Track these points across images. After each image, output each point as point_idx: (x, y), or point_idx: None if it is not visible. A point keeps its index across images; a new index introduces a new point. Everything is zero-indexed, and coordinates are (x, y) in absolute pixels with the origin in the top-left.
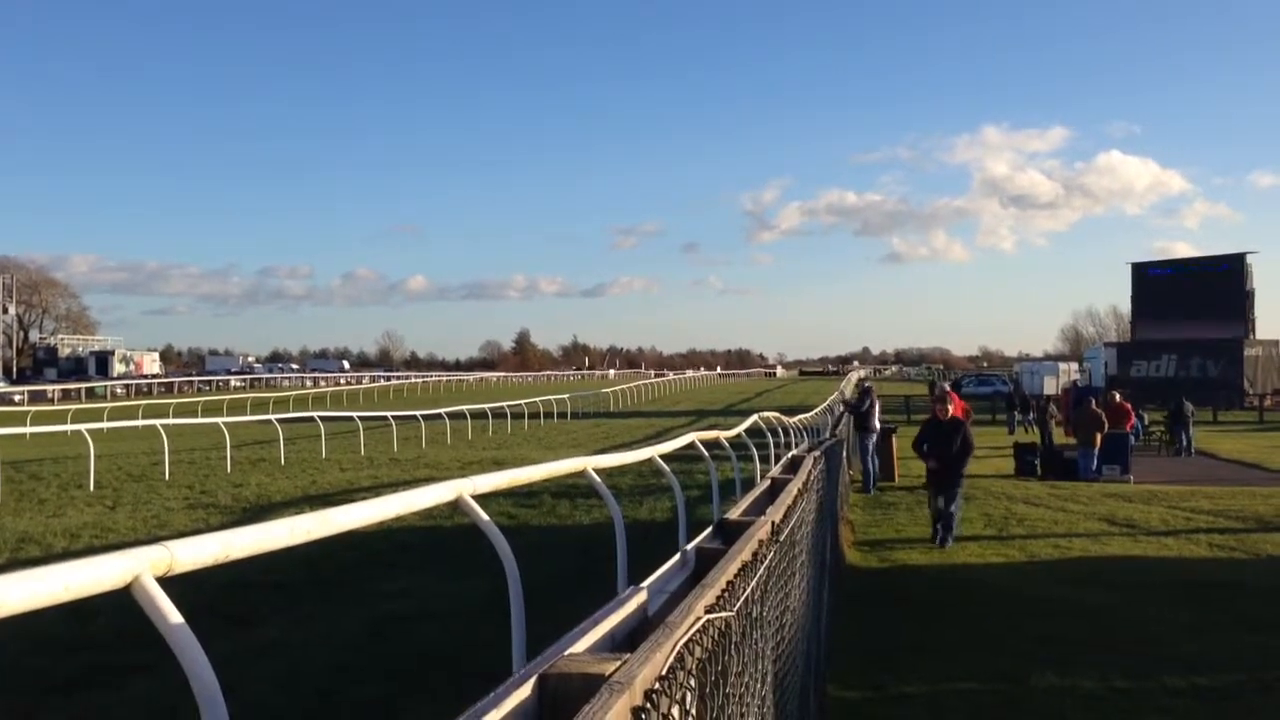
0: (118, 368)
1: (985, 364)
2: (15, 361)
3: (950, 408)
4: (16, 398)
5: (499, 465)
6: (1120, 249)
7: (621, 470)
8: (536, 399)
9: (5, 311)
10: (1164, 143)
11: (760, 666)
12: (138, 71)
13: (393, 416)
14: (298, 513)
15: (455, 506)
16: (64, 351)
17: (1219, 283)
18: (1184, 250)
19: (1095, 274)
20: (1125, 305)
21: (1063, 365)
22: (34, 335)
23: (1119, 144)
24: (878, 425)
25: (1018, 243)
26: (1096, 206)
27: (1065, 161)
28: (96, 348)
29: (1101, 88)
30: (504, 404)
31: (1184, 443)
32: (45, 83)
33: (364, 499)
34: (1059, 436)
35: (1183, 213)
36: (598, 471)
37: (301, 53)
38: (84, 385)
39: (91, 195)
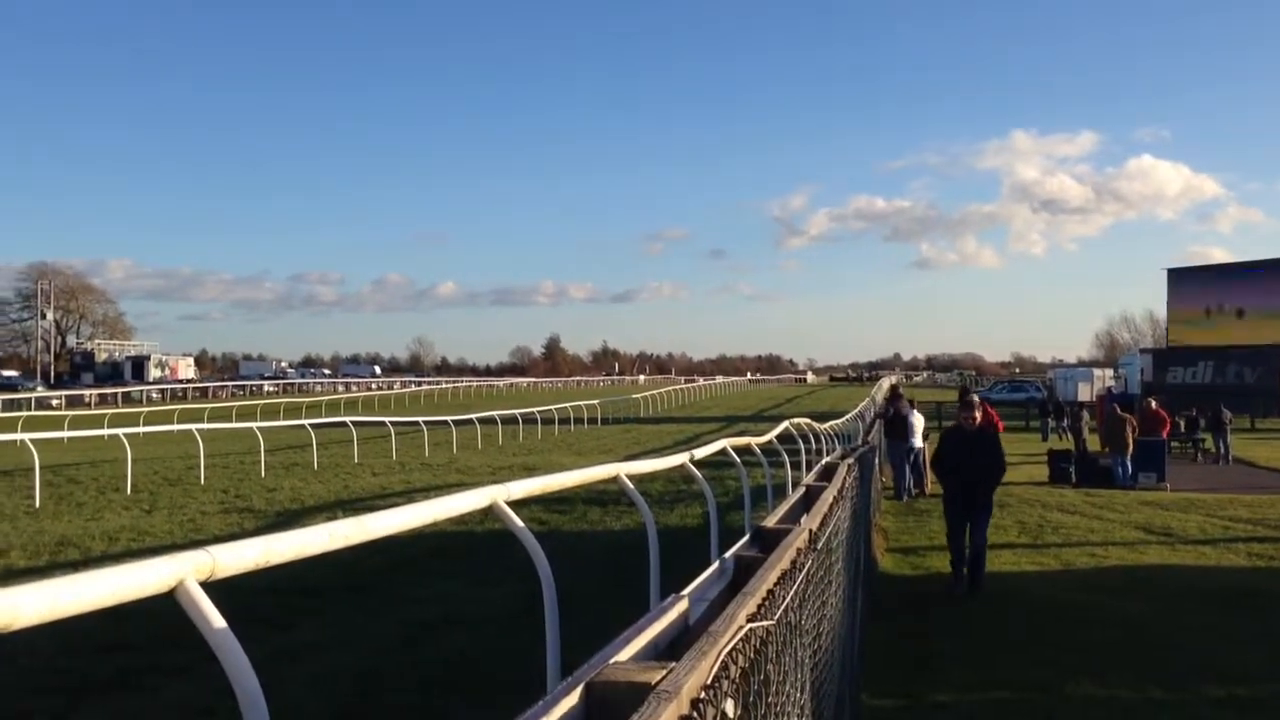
0: (153, 373)
1: (1017, 370)
2: (53, 366)
3: (978, 415)
4: (54, 402)
5: (530, 471)
6: (1154, 254)
7: (652, 476)
8: (567, 404)
9: (44, 317)
10: (1195, 148)
11: (800, 675)
12: (173, 82)
13: (424, 422)
14: (331, 517)
15: (488, 512)
16: (101, 356)
17: (1256, 288)
18: (1219, 255)
19: (1129, 279)
20: (1161, 311)
21: (1097, 371)
22: (71, 340)
23: (1149, 149)
24: (913, 434)
25: (1049, 248)
26: (1129, 211)
27: (1096, 166)
28: (132, 353)
29: (1130, 92)
30: (534, 409)
31: (1222, 450)
32: (82, 93)
33: (396, 503)
34: (1094, 443)
35: (1216, 218)
36: (629, 477)
37: (331, 61)
38: (120, 390)
39: (128, 203)
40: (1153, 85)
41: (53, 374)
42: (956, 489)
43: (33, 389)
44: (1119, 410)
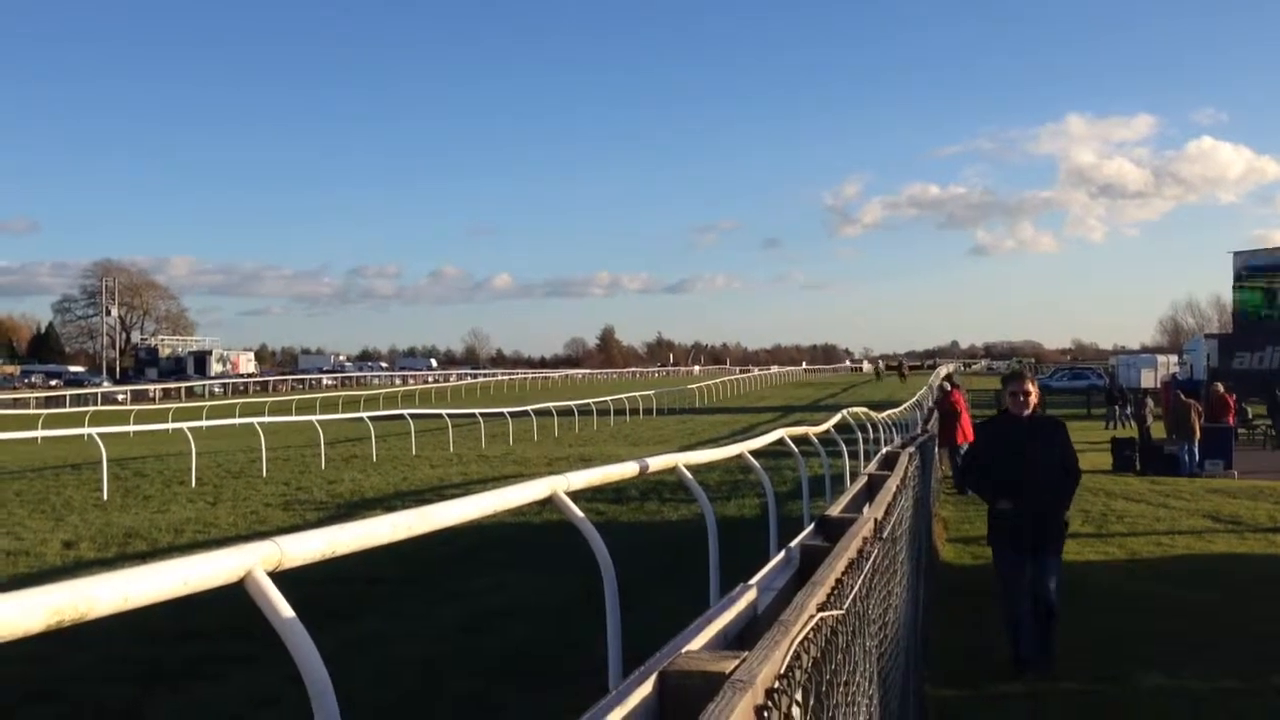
0: (215, 367)
1: (1074, 357)
2: (118, 362)
3: (1034, 395)
4: (120, 397)
5: (586, 462)
6: (1217, 238)
7: (709, 466)
8: (622, 395)
9: (109, 314)
10: (1255, 129)
11: (868, 665)
12: (234, 81)
13: (480, 414)
14: (390, 509)
15: (547, 502)
16: (164, 352)
17: None
18: None
19: (1193, 264)
20: (1226, 295)
21: (1161, 357)
22: (135, 336)
23: (1209, 131)
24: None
25: (1108, 233)
26: (1190, 195)
27: (1154, 150)
28: (195, 348)
29: (1187, 74)
30: (589, 401)
31: None
32: (147, 92)
33: (454, 495)
34: (1159, 430)
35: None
36: (687, 468)
37: (386, 58)
38: (183, 385)
39: (191, 200)
40: (1209, 66)
41: (118, 369)
42: (1008, 508)
43: (99, 384)
44: (1184, 396)
